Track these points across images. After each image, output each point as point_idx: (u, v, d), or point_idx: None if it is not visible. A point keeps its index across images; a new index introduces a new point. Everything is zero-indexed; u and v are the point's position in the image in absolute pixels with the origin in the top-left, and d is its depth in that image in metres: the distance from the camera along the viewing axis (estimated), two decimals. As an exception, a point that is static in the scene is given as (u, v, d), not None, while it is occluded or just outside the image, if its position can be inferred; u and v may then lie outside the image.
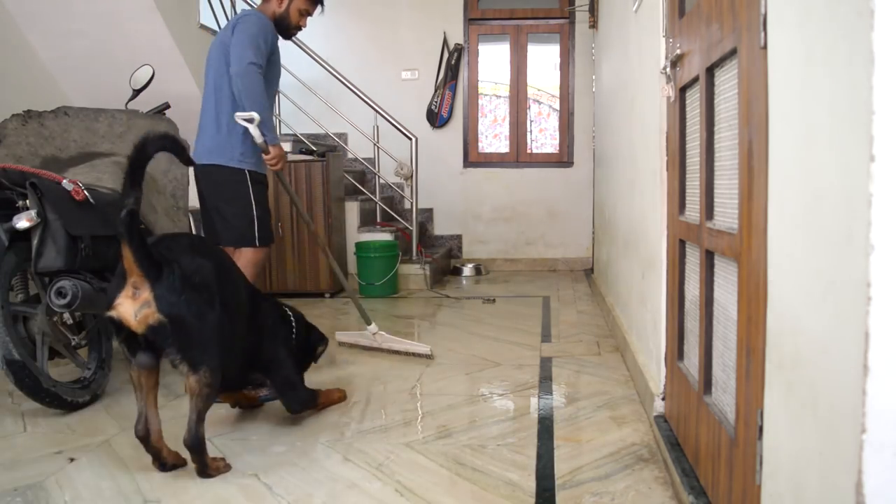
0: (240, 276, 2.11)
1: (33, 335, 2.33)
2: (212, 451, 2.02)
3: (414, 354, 3.15)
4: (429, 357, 3.12)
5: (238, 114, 2.68)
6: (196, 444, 1.83)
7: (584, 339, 3.43)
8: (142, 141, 1.73)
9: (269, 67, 2.81)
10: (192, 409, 1.81)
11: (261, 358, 2.14)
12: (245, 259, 2.81)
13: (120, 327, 1.76)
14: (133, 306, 1.73)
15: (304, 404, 2.27)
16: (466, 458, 1.98)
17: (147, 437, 1.86)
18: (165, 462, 1.89)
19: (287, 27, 2.91)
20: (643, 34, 2.63)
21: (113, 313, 1.75)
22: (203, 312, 1.80)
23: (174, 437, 2.17)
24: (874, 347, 0.80)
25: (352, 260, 5.09)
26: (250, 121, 2.67)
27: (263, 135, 2.73)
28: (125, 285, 1.74)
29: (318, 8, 2.99)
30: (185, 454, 1.88)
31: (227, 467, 1.91)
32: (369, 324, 3.23)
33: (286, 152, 2.93)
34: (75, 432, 2.23)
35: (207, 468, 1.86)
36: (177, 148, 1.86)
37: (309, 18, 3.01)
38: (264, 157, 2.83)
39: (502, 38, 6.46)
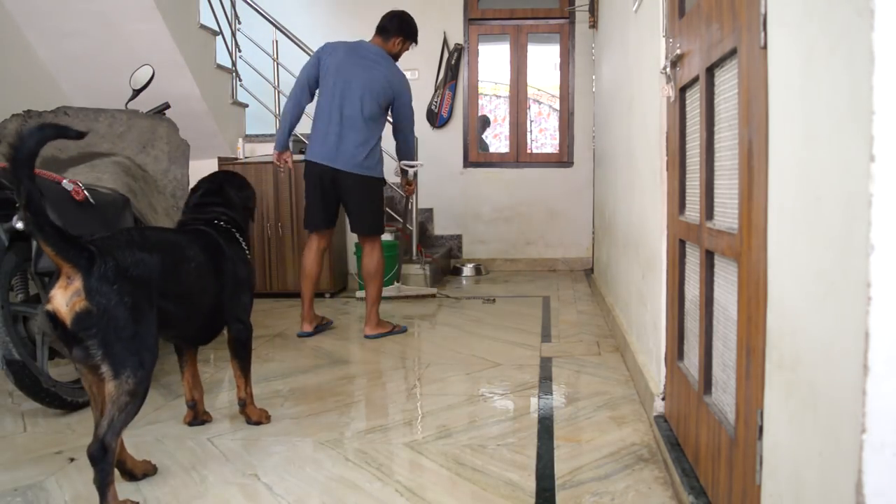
0: (195, 256, 2.01)
1: (33, 335, 2.33)
2: (212, 450, 2.03)
3: None
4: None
5: (409, 162, 3.72)
6: (98, 453, 1.59)
7: (584, 339, 3.43)
8: (18, 136, 1.53)
9: None
10: (105, 415, 1.62)
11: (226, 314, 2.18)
12: (378, 245, 3.61)
13: (56, 322, 1.64)
14: (65, 296, 1.63)
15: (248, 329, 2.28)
16: (466, 458, 1.98)
17: None
18: (133, 473, 1.83)
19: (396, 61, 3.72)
20: (643, 34, 2.63)
21: (49, 306, 1.64)
22: (138, 308, 1.68)
23: (175, 437, 2.17)
24: (874, 347, 0.80)
25: (352, 260, 5.09)
26: (414, 166, 3.80)
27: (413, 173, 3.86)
28: (60, 277, 1.64)
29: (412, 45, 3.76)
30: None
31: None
32: None
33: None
34: (75, 432, 2.23)
35: (105, 485, 1.60)
36: (61, 131, 1.67)
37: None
38: (407, 187, 4.00)
39: (502, 38, 6.46)
